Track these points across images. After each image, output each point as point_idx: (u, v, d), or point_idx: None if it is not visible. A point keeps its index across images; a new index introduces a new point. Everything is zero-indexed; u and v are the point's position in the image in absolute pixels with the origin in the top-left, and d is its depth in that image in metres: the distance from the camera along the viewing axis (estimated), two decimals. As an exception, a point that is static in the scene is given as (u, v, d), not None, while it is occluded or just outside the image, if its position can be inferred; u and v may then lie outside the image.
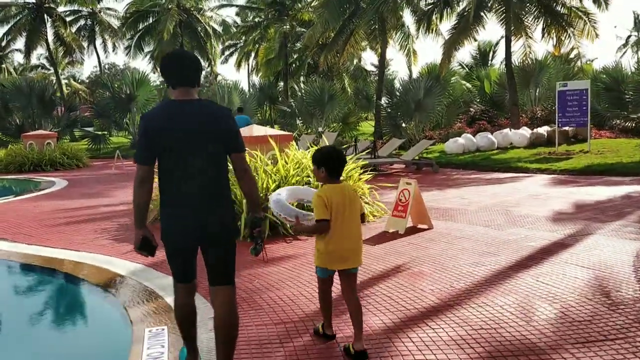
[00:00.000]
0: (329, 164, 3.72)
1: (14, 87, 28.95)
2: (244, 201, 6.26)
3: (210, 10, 43.04)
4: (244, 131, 9.41)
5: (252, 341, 4.02)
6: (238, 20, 50.75)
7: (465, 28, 20.94)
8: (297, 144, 10.87)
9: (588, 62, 38.15)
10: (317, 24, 23.63)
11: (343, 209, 3.67)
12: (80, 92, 57.84)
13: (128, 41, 41.16)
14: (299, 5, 34.63)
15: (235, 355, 3.42)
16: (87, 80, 73.10)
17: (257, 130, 9.14)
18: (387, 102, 23.82)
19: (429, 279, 5.33)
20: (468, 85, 29.45)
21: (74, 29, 47.00)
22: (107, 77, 37.74)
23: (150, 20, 38.10)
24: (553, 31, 20.33)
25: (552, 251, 6.20)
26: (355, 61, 40.21)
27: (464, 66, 34.79)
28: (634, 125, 20.63)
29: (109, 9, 50.06)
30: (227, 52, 54.40)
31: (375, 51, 37.61)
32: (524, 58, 21.58)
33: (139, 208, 3.26)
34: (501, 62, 34.94)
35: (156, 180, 3.30)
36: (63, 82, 49.83)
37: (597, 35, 20.36)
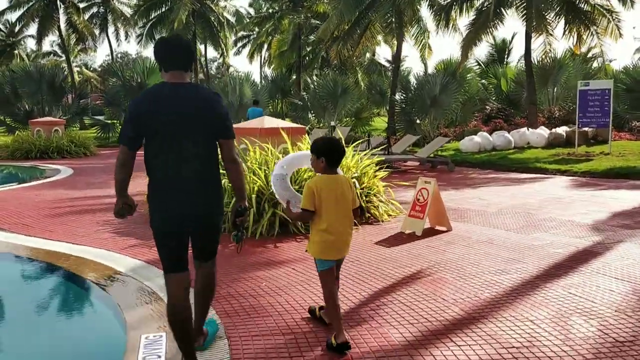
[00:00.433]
0: (329, 154, 3.70)
1: (23, 72, 28.60)
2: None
3: (224, 0, 42.61)
4: (255, 122, 9.01)
5: (258, 353, 3.62)
6: (251, 11, 50.37)
7: (484, 24, 20.40)
8: (309, 138, 10.45)
9: (607, 63, 37.41)
10: (332, 16, 23.15)
11: (335, 201, 3.66)
12: (92, 80, 57.71)
13: (140, 29, 40.80)
14: (315, -5, 34.13)
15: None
16: (99, 69, 72.97)
17: (269, 122, 8.70)
18: (401, 97, 23.34)
19: (451, 286, 4.92)
20: (484, 82, 28.92)
21: (86, 16, 46.80)
22: (119, 66, 37.42)
23: (163, 9, 37.68)
24: (574, 29, 19.72)
25: (581, 259, 5.76)
26: (368, 55, 39.68)
27: (480, 63, 34.22)
28: (655, 127, 20.09)
29: (122, -4, 49.72)
30: (239, 44, 54.06)
31: (390, 45, 37.16)
32: (544, 56, 20.96)
33: (120, 182, 3.28)
34: (519, 60, 34.45)
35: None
36: (75, 69, 49.70)
37: (620, 34, 19.73)
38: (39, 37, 43.47)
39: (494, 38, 31.46)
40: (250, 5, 53.18)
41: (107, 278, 5.32)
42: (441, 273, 5.34)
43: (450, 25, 22.88)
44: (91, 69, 73.60)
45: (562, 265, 5.57)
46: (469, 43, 20.94)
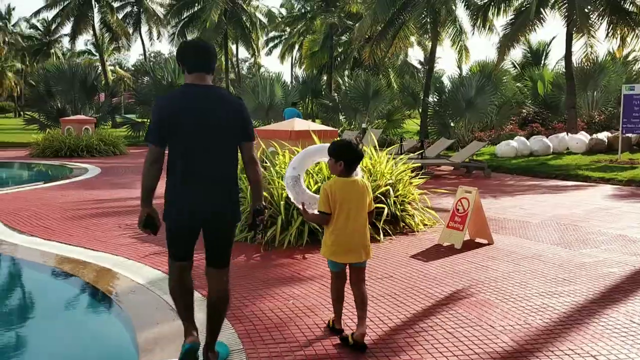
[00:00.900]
0: (348, 158, 3.74)
1: (57, 71, 28.84)
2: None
3: (256, 0, 42.43)
4: (285, 125, 8.60)
5: (282, 388, 3.21)
6: (283, 11, 50.16)
7: (523, 24, 19.72)
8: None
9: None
10: (366, 17, 22.71)
11: (349, 204, 3.69)
12: (125, 79, 58.19)
13: (172, 29, 40.89)
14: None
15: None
16: (133, 68, 73.65)
17: (299, 124, 8.28)
18: (434, 99, 22.74)
19: (497, 310, 4.44)
20: (519, 85, 28.12)
21: (120, 16, 47.18)
22: (152, 65, 37.53)
23: (195, 9, 37.63)
24: (618, 30, 18.89)
25: (641, 281, 5.22)
26: (401, 56, 39.05)
27: (516, 65, 33.36)
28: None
29: (155, -4, 49.95)
30: (271, 44, 53.92)
31: (424, 47, 36.50)
32: (585, 58, 20.12)
33: (147, 189, 3.32)
34: (557, 62, 33.49)
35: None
36: (109, 68, 50.13)
37: (666, 37, 18.87)
38: (73, 36, 43.91)
39: (527, 41, 30.64)
40: (282, 5, 52.99)
41: (123, 290, 4.96)
42: (485, 294, 4.85)
43: (487, 25, 22.22)
44: (125, 68, 74.39)
45: (619, 288, 5.04)
46: (506, 44, 20.26)
